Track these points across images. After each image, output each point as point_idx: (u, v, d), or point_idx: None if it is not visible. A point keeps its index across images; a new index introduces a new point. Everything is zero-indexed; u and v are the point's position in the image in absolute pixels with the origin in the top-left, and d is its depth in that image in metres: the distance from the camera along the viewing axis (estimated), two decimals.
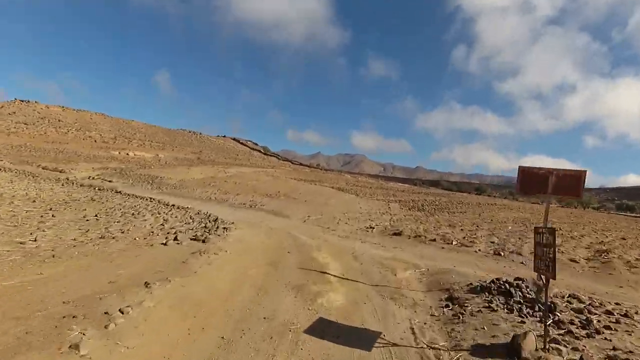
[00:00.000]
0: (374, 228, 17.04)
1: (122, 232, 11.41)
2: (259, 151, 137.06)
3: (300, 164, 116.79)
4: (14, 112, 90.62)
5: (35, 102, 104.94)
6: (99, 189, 23.31)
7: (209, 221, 14.55)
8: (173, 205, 18.88)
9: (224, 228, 12.75)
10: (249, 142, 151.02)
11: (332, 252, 11.17)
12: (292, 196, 27.84)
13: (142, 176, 35.34)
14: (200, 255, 8.86)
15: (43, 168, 31.34)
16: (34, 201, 16.01)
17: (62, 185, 23.39)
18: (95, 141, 75.90)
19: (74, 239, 9.95)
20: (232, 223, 14.37)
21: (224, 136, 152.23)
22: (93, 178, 29.36)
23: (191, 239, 10.83)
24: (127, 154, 60.25)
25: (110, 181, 28.54)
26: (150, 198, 20.85)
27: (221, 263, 8.61)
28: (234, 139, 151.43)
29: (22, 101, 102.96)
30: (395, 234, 15.58)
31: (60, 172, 30.63)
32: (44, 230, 10.57)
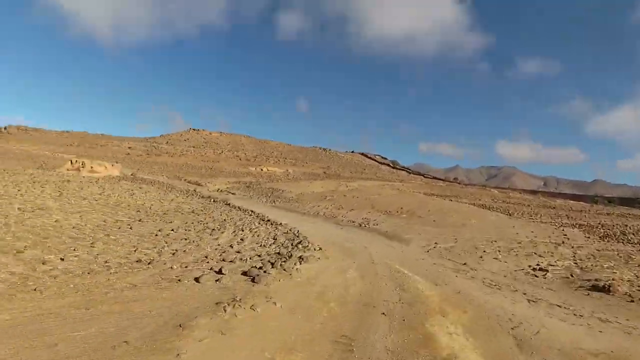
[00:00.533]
0: (546, 271, 10.44)
1: (174, 254, 8.98)
2: (388, 165, 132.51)
3: (434, 178, 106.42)
4: (188, 139, 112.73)
5: (203, 130, 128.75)
6: (214, 200, 23.36)
7: (292, 244, 11.11)
8: (268, 220, 16.49)
9: (301, 257, 8.97)
10: (377, 157, 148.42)
11: (471, 325, 5.92)
12: (418, 214, 22.45)
13: (265, 189, 35.91)
14: (220, 314, 5.20)
15: (187, 181, 35.11)
16: (138, 210, 15.92)
17: (187, 196, 24.55)
18: (240, 159, 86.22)
19: (106, 262, 7.84)
20: (320, 249, 10.54)
21: (352, 152, 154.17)
22: (221, 190, 30.81)
23: (242, 274, 7.42)
24: (261, 170, 65.22)
25: (233, 193, 29.34)
26: (251, 211, 19.19)
27: (240, 341, 4.69)
28: (362, 154, 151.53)
29: (194, 129, 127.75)
30: (593, 287, 8.80)
31: (197, 185, 33.60)
32: (92, 246, 9.00)
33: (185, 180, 35.75)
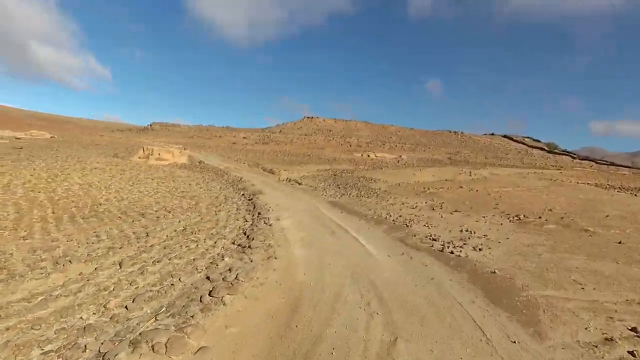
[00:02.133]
0: None
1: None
2: (542, 149, 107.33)
3: (612, 164, 79.47)
4: (301, 127, 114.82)
5: (317, 117, 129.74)
6: (252, 195, 18.60)
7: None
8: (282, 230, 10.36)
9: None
10: (526, 139, 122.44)
11: None
12: (582, 223, 12.58)
13: (353, 178, 29.68)
14: None
15: (263, 169, 31.96)
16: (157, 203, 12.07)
17: (224, 187, 20.83)
18: (350, 145, 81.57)
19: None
20: None
21: (492, 134, 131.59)
22: (289, 180, 26.15)
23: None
24: (368, 156, 58.78)
25: (299, 184, 24.23)
26: (258, 214, 13.68)
27: None
28: (504, 137, 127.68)
29: (309, 117, 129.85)
30: None
31: (270, 172, 29.95)
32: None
33: (261, 167, 32.59)
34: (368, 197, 20.05)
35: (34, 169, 20.64)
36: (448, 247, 9.71)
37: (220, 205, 15.27)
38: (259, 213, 13.47)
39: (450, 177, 34.73)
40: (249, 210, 14.29)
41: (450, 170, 39.56)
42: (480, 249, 9.45)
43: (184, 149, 35.79)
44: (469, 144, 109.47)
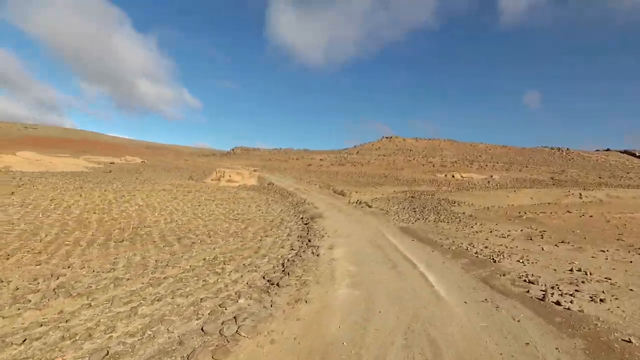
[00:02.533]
0: None
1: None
2: None
3: None
4: (379, 147, 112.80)
5: (396, 137, 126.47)
6: (311, 219, 17.62)
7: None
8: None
9: None
10: None
11: None
12: None
13: (432, 201, 27.07)
14: None
15: (334, 191, 31.15)
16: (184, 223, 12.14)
17: (285, 210, 20.10)
18: (433, 165, 76.98)
19: None
20: None
21: (607, 150, 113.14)
22: (360, 202, 24.66)
23: None
24: (453, 176, 54.31)
25: (370, 206, 22.60)
26: (311, 244, 12.35)
27: None
28: (624, 152, 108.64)
29: (387, 137, 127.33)
30: None
31: (341, 194, 28.89)
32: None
33: (332, 189, 31.77)
34: (448, 222, 17.58)
35: (105, 191, 22.83)
36: (552, 294, 7.27)
37: (271, 230, 14.53)
38: (309, 240, 12.29)
39: (554, 200, 29.66)
40: (301, 237, 13.18)
41: (554, 191, 33.99)
42: (601, 300, 6.85)
43: (254, 171, 36.97)
44: (576, 161, 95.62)
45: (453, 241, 12.74)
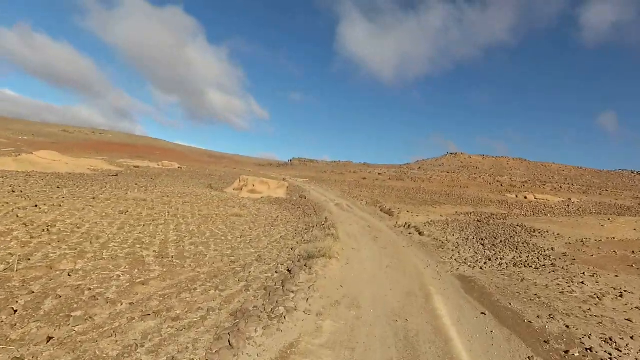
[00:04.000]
0: None
1: None
2: None
3: None
4: (443, 164, 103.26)
5: (462, 153, 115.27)
6: (313, 257, 12.64)
7: None
8: None
9: None
10: None
11: None
12: None
13: (505, 227, 20.51)
14: None
15: (381, 209, 25.83)
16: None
17: (293, 236, 15.26)
18: (502, 185, 66.91)
19: None
20: None
21: None
22: (408, 225, 19.13)
23: None
24: (525, 197, 45.23)
25: (420, 233, 16.98)
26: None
27: None
28: None
29: (452, 154, 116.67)
30: None
31: (389, 214, 23.48)
32: None
33: (380, 207, 26.38)
34: (536, 268, 11.47)
35: (101, 194, 20.17)
36: None
37: (239, 274, 9.21)
38: (271, 316, 6.43)
39: None
40: (269, 295, 7.46)
41: None
42: None
43: (284, 181, 32.93)
44: None
45: (566, 325, 6.95)
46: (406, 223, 19.25)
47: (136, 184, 26.99)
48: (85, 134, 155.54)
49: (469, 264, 11.45)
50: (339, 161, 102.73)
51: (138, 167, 50.17)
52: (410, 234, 16.91)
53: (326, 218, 18.25)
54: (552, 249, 15.41)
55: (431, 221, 21.30)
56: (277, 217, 18.87)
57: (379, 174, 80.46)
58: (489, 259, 12.25)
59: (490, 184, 68.61)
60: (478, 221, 24.22)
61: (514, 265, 11.55)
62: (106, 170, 36.93)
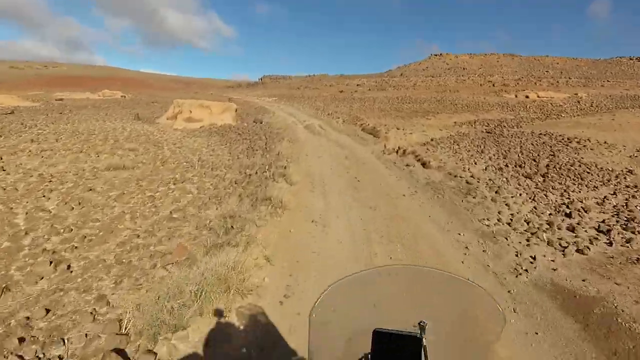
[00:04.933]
0: None
1: None
2: None
3: None
4: (427, 67, 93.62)
5: (447, 54, 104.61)
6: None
7: None
8: None
9: None
10: None
11: None
12: None
13: (526, 143, 14.76)
14: None
15: (361, 126, 19.37)
16: None
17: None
18: (494, 85, 59.95)
19: None
20: None
21: None
22: (404, 152, 12.83)
23: None
24: (526, 97, 38.99)
25: (425, 164, 10.78)
26: None
27: None
28: None
29: (436, 55, 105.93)
30: None
31: (371, 134, 17.16)
32: None
33: (360, 124, 19.82)
34: None
35: None
36: None
37: None
38: None
39: None
40: None
41: None
42: None
43: (230, 102, 25.55)
44: None
45: None
46: (399, 147, 12.94)
47: (21, 123, 19.39)
48: (36, 69, 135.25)
49: (547, 240, 5.54)
50: (314, 75, 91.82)
51: (62, 99, 40.72)
52: (408, 165, 10.77)
53: (279, 153, 11.76)
54: (629, 170, 9.67)
55: (431, 140, 15.06)
56: (199, 159, 12.30)
57: (357, 85, 71.73)
58: (570, 216, 6.35)
59: (481, 85, 61.57)
60: (488, 132, 18.22)
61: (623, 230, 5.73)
62: (7, 108, 28.32)
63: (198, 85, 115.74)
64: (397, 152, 12.59)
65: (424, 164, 10.60)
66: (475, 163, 10.70)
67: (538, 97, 38.63)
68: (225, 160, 12.31)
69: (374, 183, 9.27)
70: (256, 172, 9.81)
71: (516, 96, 40.45)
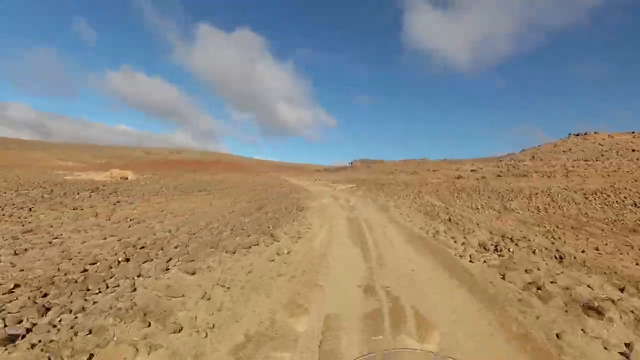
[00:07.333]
0: None
1: None
2: None
3: None
4: (570, 149, 67.61)
5: (594, 133, 76.81)
6: None
7: None
8: None
9: None
10: None
11: None
12: None
13: None
14: None
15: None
16: None
17: None
18: None
19: None
20: None
21: None
22: None
23: None
24: None
25: None
26: None
27: None
28: None
29: (576, 135, 78.90)
30: None
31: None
32: None
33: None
34: None
35: None
36: None
37: None
38: None
39: None
40: None
41: None
42: None
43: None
44: None
45: None
46: None
47: None
48: (162, 155, 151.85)
49: None
50: (413, 159, 74.44)
51: (127, 178, 32.13)
52: None
53: None
54: None
55: None
56: None
57: (472, 171, 50.99)
58: None
59: None
60: None
61: None
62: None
63: (289, 168, 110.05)
64: None
65: None
66: None
67: None
68: None
69: None
70: None
71: None
